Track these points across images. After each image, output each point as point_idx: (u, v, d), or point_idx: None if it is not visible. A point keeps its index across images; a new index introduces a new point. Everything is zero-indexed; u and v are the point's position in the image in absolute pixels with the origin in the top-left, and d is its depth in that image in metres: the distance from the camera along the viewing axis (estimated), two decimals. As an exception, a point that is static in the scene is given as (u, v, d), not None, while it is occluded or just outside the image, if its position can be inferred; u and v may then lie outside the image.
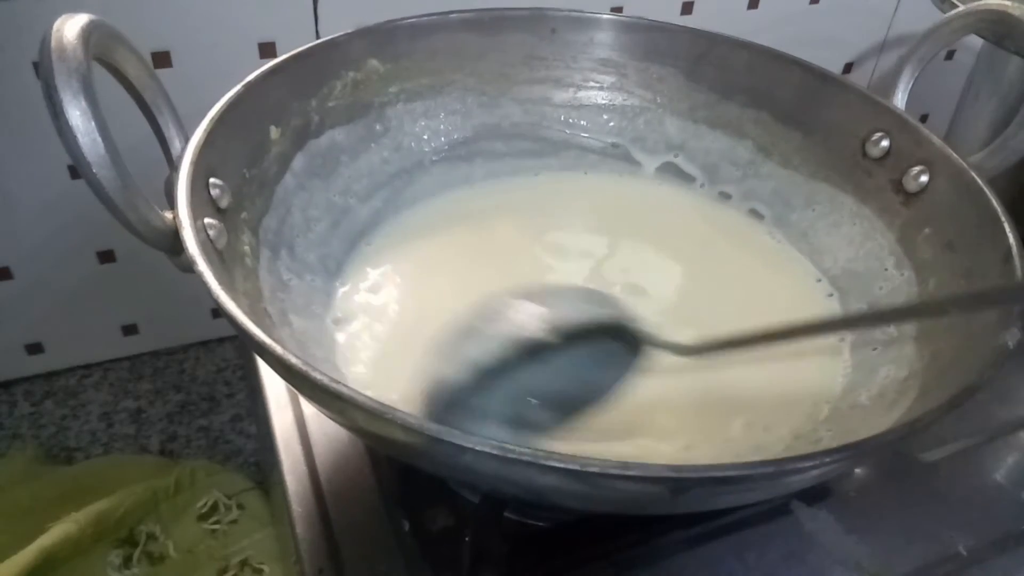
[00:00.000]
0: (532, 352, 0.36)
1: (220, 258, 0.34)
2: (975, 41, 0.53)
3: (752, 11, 0.77)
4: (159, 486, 0.62)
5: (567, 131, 0.55)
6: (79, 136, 0.28)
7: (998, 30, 0.45)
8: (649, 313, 0.44)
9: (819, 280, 0.48)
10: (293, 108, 0.44)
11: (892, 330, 0.42)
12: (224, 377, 0.73)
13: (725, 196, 0.54)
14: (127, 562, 0.59)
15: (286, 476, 0.42)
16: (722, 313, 0.45)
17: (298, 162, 0.45)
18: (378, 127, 0.50)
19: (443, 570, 0.36)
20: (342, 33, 0.47)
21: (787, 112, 0.51)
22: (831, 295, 0.47)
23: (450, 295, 0.45)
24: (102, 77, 0.31)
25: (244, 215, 0.39)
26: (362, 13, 0.58)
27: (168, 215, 0.32)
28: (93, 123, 0.28)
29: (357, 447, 0.43)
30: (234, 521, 0.62)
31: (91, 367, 0.72)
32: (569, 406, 0.36)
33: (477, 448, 0.24)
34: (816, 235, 0.50)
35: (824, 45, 0.83)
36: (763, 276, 0.49)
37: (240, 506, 0.63)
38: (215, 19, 0.58)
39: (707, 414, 0.40)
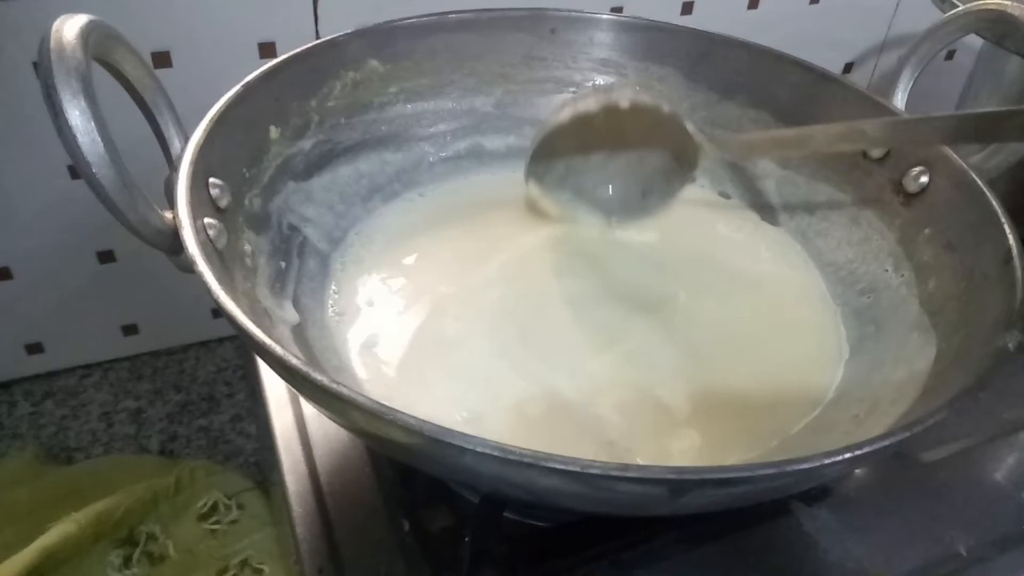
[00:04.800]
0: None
1: (220, 258, 0.34)
2: (975, 41, 0.53)
3: (752, 11, 0.77)
4: (159, 486, 0.62)
5: (567, 131, 0.55)
6: (79, 136, 0.28)
7: (998, 30, 0.45)
8: (648, 302, 0.45)
9: (817, 280, 0.48)
10: (293, 108, 0.44)
11: (894, 329, 0.42)
12: (224, 377, 0.73)
13: (724, 196, 0.54)
14: (127, 562, 0.59)
15: (286, 476, 0.42)
16: (718, 309, 0.45)
17: (298, 162, 0.45)
18: (377, 127, 0.50)
19: (443, 570, 0.36)
20: (342, 33, 0.47)
21: (787, 112, 0.51)
22: (827, 295, 0.47)
23: (447, 288, 0.45)
24: (102, 77, 0.31)
25: (244, 215, 0.39)
26: (362, 13, 0.58)
27: (168, 215, 0.32)
28: (93, 123, 0.28)
29: (357, 447, 0.43)
30: (234, 521, 0.62)
31: (91, 367, 0.72)
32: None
33: (477, 449, 0.24)
34: (815, 236, 0.50)
35: (824, 45, 0.82)
36: (761, 275, 0.49)
37: (240, 506, 0.63)
38: (215, 19, 0.58)
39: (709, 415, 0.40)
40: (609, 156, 0.51)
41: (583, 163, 0.51)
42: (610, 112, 0.48)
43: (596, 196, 0.52)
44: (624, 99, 0.48)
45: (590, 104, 0.48)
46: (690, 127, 0.48)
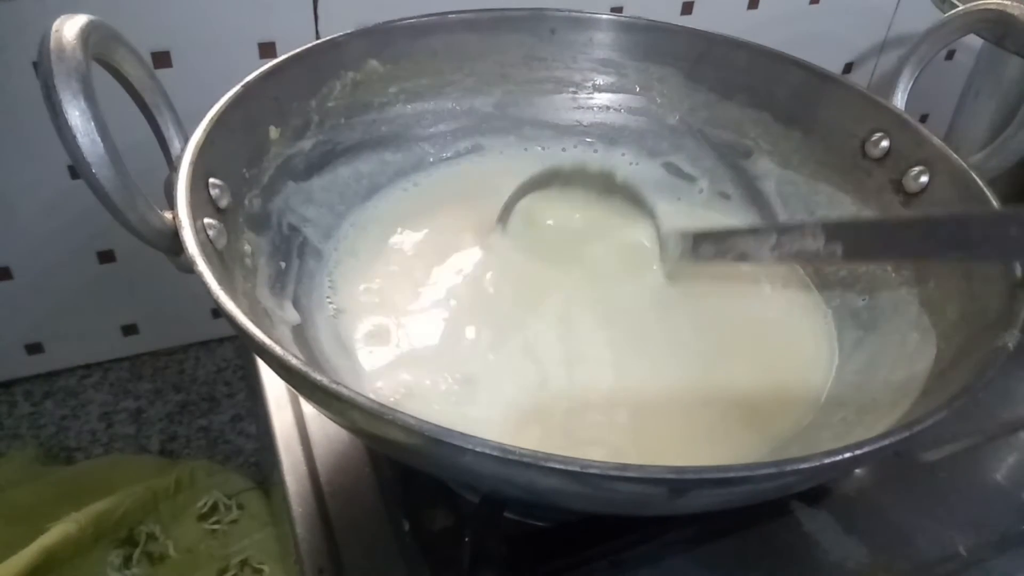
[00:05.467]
0: None
1: (220, 258, 0.34)
2: (975, 41, 0.53)
3: (752, 11, 0.77)
4: (159, 486, 0.62)
5: (567, 132, 0.55)
6: (79, 136, 0.28)
7: (998, 30, 0.45)
8: (639, 305, 0.45)
9: (819, 280, 0.48)
10: (293, 108, 0.44)
11: (893, 329, 0.42)
12: (224, 377, 0.73)
13: (725, 196, 0.54)
14: (127, 562, 0.59)
15: (286, 476, 0.42)
16: (718, 315, 0.45)
17: (298, 162, 0.45)
18: (377, 128, 0.50)
19: (443, 570, 0.36)
20: (342, 33, 0.47)
21: (787, 112, 0.51)
22: (827, 295, 0.47)
23: (448, 286, 0.45)
24: (102, 77, 0.31)
25: (244, 215, 0.39)
26: (362, 13, 0.58)
27: (168, 215, 0.32)
28: (93, 123, 0.28)
29: (357, 447, 0.43)
30: (234, 521, 0.62)
31: (91, 367, 0.72)
32: None
33: (477, 449, 0.24)
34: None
35: (824, 45, 0.82)
36: (762, 274, 0.49)
37: (240, 506, 0.63)
38: (215, 19, 0.58)
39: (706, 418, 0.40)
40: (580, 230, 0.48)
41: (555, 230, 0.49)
42: (582, 176, 0.48)
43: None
44: (595, 165, 0.48)
45: (566, 163, 0.49)
46: (657, 222, 0.46)
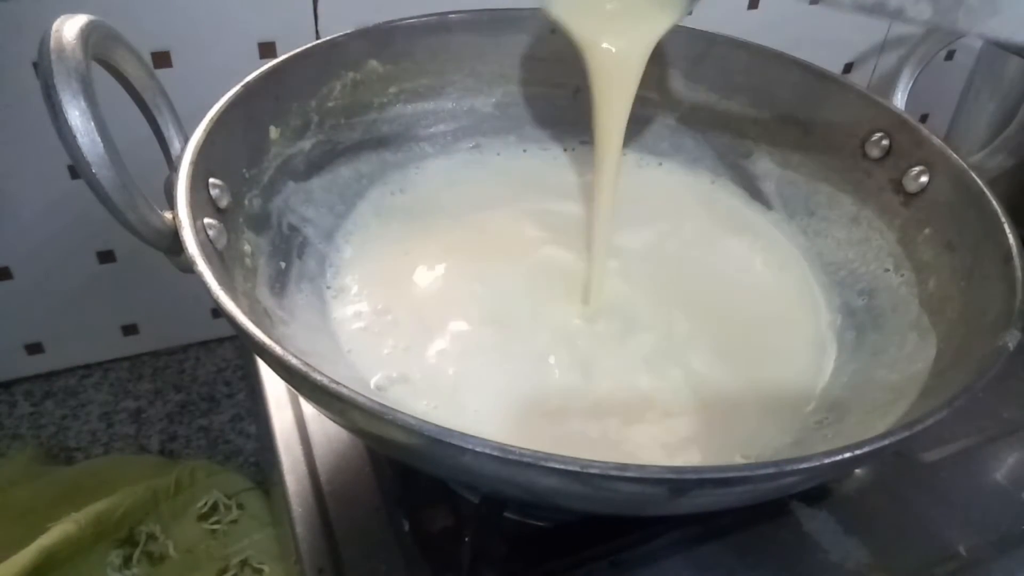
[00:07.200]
0: None
1: (220, 258, 0.34)
2: (975, 41, 0.53)
3: (752, 11, 0.77)
4: (159, 486, 0.62)
5: (567, 131, 0.55)
6: (78, 136, 0.28)
7: (998, 30, 0.45)
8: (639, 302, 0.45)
9: (818, 279, 0.48)
10: (293, 108, 0.44)
11: (893, 329, 0.42)
12: (224, 377, 0.73)
13: (724, 196, 0.54)
14: (127, 562, 0.59)
15: (286, 476, 0.42)
16: (719, 308, 0.45)
17: (298, 162, 0.45)
18: (377, 128, 0.50)
19: (443, 570, 0.36)
20: (342, 33, 0.47)
21: (787, 112, 0.51)
22: (829, 295, 0.47)
23: (447, 284, 0.45)
24: (102, 77, 0.32)
25: (244, 215, 0.39)
26: (362, 13, 0.58)
27: (168, 215, 0.32)
28: (92, 123, 0.28)
29: (357, 447, 0.43)
30: (234, 521, 0.62)
31: (91, 367, 0.72)
32: None
33: (477, 449, 0.24)
34: (815, 236, 0.50)
35: (824, 45, 0.82)
36: (762, 274, 0.49)
37: (240, 506, 0.63)
38: (215, 19, 0.58)
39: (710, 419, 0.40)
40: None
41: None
42: None
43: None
44: None
45: None
46: None
